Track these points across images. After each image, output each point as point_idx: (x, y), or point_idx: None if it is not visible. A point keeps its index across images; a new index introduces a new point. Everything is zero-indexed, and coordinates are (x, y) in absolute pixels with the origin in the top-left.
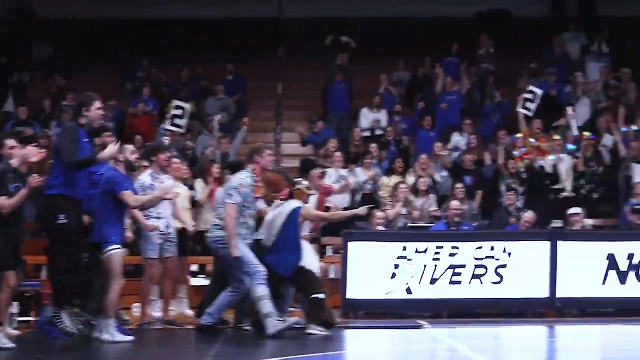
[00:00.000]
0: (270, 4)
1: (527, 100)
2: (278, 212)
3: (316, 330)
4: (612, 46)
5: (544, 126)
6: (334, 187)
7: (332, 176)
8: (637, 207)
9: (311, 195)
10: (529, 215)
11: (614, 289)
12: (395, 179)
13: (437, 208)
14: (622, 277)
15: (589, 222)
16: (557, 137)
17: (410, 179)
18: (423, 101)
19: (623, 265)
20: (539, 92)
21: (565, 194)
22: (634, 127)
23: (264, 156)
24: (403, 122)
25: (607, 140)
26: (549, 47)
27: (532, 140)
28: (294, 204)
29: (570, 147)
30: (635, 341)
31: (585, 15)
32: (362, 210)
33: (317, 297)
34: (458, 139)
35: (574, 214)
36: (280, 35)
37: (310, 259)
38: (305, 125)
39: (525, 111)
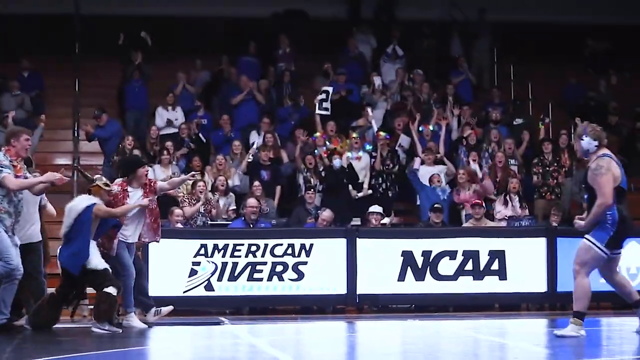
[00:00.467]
0: (66, 1)
1: (322, 100)
2: (73, 204)
3: (99, 329)
4: (406, 48)
5: (337, 127)
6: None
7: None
8: (437, 205)
9: (110, 191)
10: (326, 214)
11: (411, 286)
12: None
13: (235, 206)
14: (419, 274)
15: (388, 219)
16: (355, 135)
17: (208, 178)
18: (221, 100)
19: (419, 262)
20: (330, 89)
21: (361, 194)
22: (431, 127)
23: (21, 140)
24: (204, 119)
25: (404, 140)
26: (345, 48)
27: (327, 142)
28: (91, 200)
29: (368, 146)
30: (430, 336)
31: (381, 18)
32: (144, 202)
33: (107, 292)
34: (255, 138)
35: (373, 212)
36: (76, 32)
37: (97, 259)
38: (89, 122)
39: (323, 112)
